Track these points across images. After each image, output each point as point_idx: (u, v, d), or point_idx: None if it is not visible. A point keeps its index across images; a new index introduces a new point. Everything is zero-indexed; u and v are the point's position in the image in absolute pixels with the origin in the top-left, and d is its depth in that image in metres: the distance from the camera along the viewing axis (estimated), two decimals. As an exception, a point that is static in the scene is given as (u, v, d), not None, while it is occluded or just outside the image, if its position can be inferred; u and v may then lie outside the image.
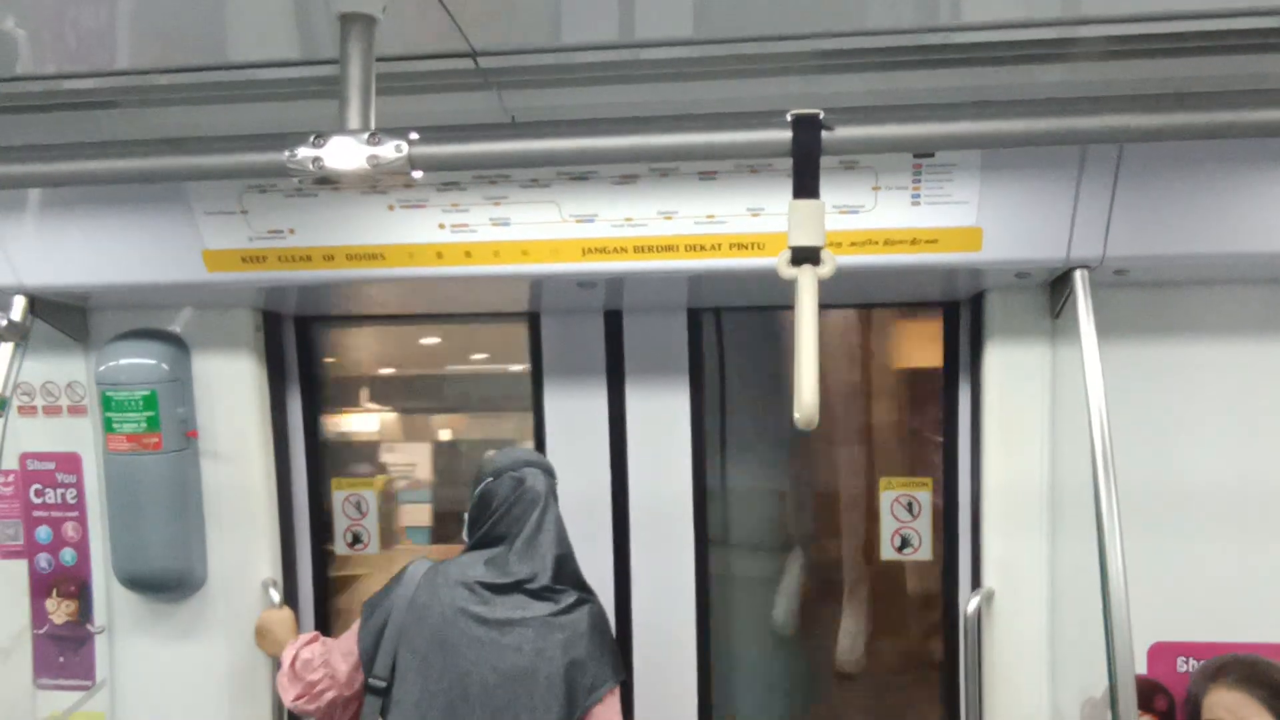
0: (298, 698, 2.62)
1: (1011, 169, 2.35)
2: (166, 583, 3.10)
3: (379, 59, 1.51)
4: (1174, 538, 2.71)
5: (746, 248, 2.49)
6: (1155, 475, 2.72)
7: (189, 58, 1.93)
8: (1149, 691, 2.73)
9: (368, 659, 2.51)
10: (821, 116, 1.45)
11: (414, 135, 1.46)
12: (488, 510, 2.63)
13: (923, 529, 3.18)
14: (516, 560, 2.53)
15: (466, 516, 2.70)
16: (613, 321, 3.19)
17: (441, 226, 2.55)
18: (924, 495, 3.17)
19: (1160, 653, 2.76)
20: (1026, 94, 2.08)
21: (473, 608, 2.46)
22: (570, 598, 2.54)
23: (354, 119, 1.45)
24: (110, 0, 1.67)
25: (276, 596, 3.14)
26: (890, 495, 3.19)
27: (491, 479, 2.64)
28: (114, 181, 1.80)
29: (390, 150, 1.45)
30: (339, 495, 3.47)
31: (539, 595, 2.51)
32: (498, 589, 2.50)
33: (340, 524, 3.48)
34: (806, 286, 1.40)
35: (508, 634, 2.44)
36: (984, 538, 2.88)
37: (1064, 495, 2.76)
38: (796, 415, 1.38)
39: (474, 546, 2.64)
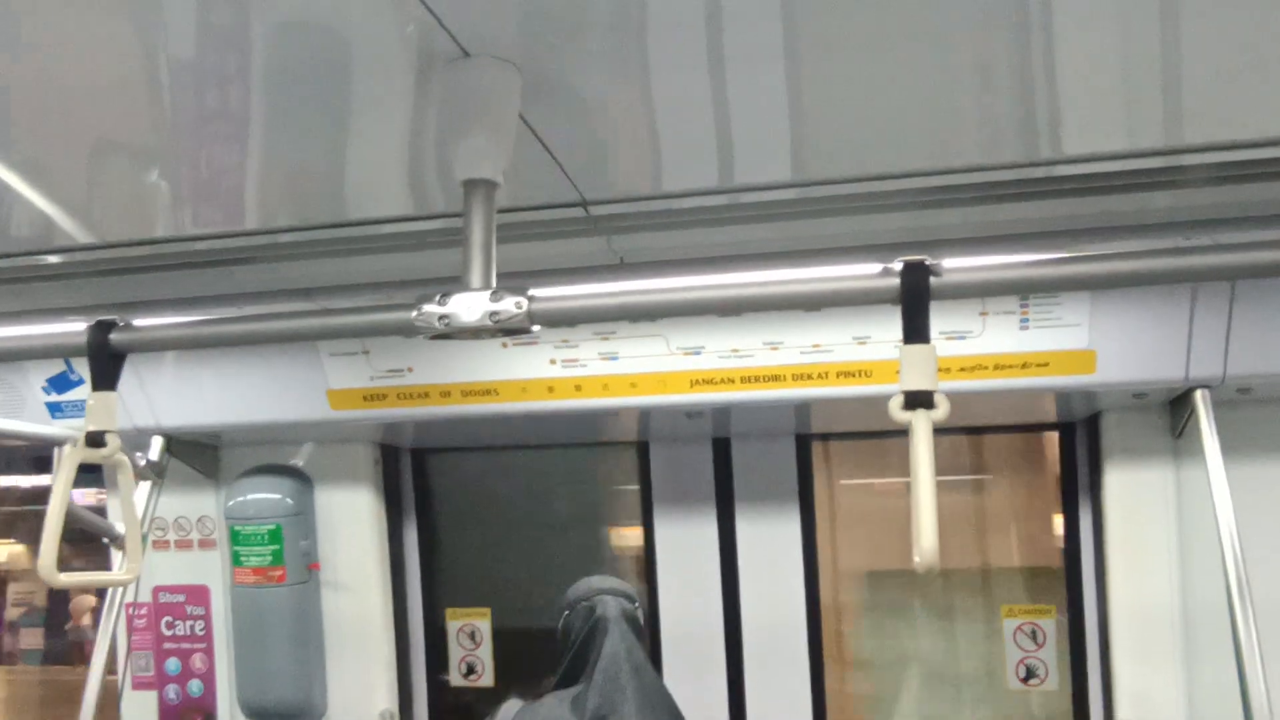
0: None
1: (1123, 289, 2.33)
2: (289, 713, 3.16)
3: (497, 210, 1.59)
4: None
5: (854, 375, 2.50)
6: None
7: (313, 216, 2.07)
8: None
9: None
10: (928, 262, 1.47)
11: (533, 292, 1.53)
12: (567, 644, 2.59)
13: (1048, 658, 3.05)
14: (596, 695, 2.43)
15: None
16: (721, 449, 3.20)
17: (552, 362, 2.63)
18: (1047, 623, 3.06)
19: (1316, 792, 2.58)
20: (1133, 220, 2.07)
21: None
22: None
23: (476, 278, 1.52)
24: (241, 168, 1.81)
25: (394, 728, 3.18)
26: (1013, 623, 3.08)
27: (568, 611, 2.61)
28: (256, 343, 1.91)
29: (510, 306, 1.51)
30: (453, 625, 3.50)
31: None
32: None
33: (455, 654, 3.50)
34: (921, 431, 1.40)
35: None
36: (1115, 667, 2.76)
37: (1199, 621, 2.64)
38: (916, 559, 1.37)
39: (560, 683, 2.60)
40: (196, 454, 3.21)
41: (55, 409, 2.99)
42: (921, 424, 1.41)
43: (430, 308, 1.55)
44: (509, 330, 1.54)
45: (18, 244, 2.17)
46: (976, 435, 3.27)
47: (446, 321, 1.54)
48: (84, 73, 1.41)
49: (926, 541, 1.34)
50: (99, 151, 1.74)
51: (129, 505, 1.92)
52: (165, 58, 1.39)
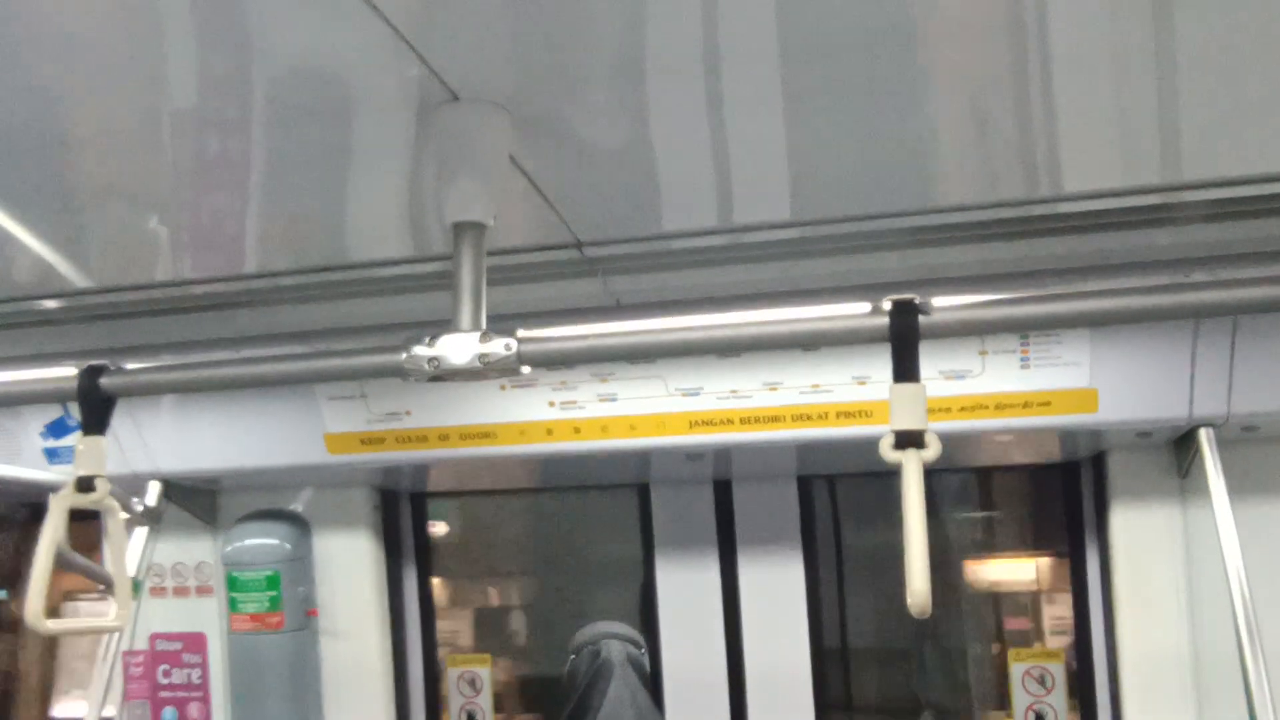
0: None
1: (1123, 328, 2.31)
2: (285, 764, 3.11)
3: (489, 253, 1.59)
4: None
5: (854, 416, 2.48)
6: None
7: (311, 260, 2.07)
8: None
9: None
10: (917, 301, 1.46)
11: (521, 333, 1.52)
12: (573, 688, 2.58)
13: (1058, 704, 2.99)
14: None
15: None
16: (722, 491, 3.17)
17: (551, 404, 2.61)
18: (1056, 667, 3.00)
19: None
20: (1132, 257, 2.06)
21: None
22: None
23: (465, 320, 1.52)
24: (238, 213, 1.82)
25: (391, 778, 3.12)
26: (1020, 668, 3.03)
27: (574, 656, 2.61)
28: (245, 386, 1.91)
29: (499, 348, 1.51)
30: (453, 672, 3.45)
31: None
32: None
33: (455, 702, 3.45)
34: (911, 471, 1.38)
35: None
36: (1125, 712, 2.70)
37: (1209, 663, 2.59)
38: (910, 602, 1.34)
39: None
40: (194, 499, 3.19)
41: (52, 454, 2.98)
42: (912, 464, 1.39)
43: (419, 350, 1.54)
44: (498, 372, 1.54)
45: (16, 289, 2.17)
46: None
47: (436, 363, 1.53)
48: (83, 119, 1.42)
49: (918, 583, 1.32)
50: (97, 197, 1.75)
51: (118, 551, 1.90)
52: (164, 105, 1.40)
